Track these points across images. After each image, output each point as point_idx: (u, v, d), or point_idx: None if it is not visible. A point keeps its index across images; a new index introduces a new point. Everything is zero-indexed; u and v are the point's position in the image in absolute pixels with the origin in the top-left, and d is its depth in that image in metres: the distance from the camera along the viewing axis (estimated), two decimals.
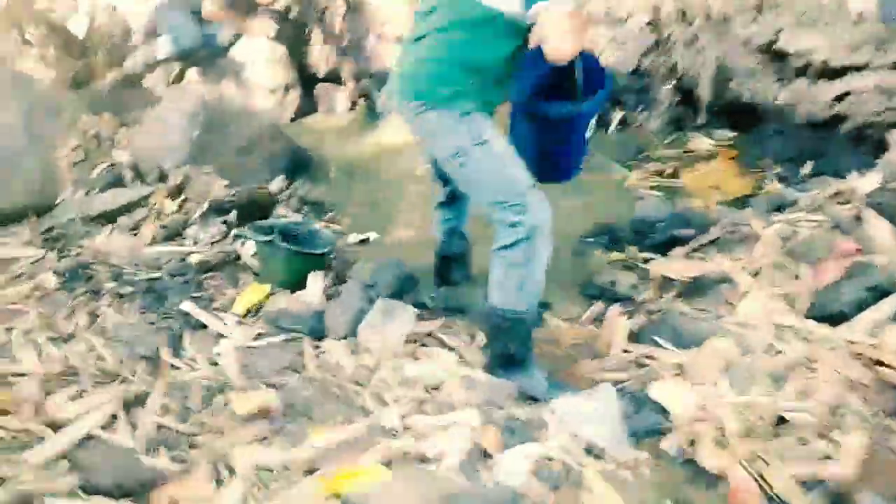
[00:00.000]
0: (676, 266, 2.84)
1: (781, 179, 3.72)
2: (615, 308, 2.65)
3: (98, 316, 2.52)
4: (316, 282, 2.63)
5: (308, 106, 5.12)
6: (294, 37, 5.07)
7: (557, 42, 1.94)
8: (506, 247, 2.12)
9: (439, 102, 2.14)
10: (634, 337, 2.50)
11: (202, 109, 3.67)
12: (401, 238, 3.45)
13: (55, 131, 3.55)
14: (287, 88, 4.95)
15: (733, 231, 2.96)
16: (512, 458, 1.84)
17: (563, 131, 2.28)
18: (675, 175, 3.89)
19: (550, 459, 1.86)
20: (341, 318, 2.42)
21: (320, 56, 5.15)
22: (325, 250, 2.70)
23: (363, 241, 3.32)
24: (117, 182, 3.45)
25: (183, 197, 3.19)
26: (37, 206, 3.29)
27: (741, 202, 3.49)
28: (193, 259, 2.86)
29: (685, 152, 4.19)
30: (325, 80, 5.22)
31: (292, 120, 4.95)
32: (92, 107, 4.00)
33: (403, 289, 2.63)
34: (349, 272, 2.68)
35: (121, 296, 2.64)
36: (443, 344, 2.47)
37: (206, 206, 3.02)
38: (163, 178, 3.39)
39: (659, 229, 3.04)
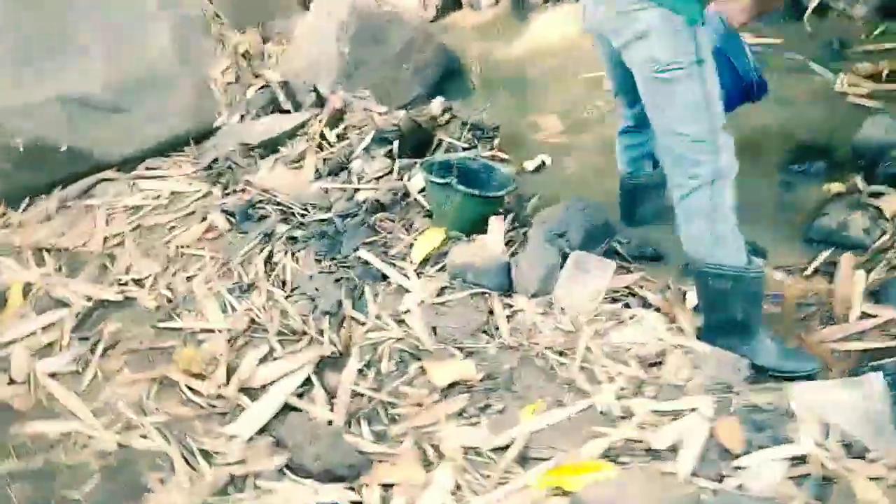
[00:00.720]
0: None
1: None
2: (848, 257, 2.27)
3: (275, 264, 2.43)
4: (497, 227, 2.40)
5: (449, 2, 4.71)
6: None
7: None
8: (688, 194, 1.91)
9: (670, 1, 1.80)
10: (875, 296, 2.14)
11: (352, 18, 3.39)
12: (576, 162, 3.11)
13: (205, 51, 3.38)
14: None
15: None
16: (761, 460, 1.60)
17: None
18: (891, 78, 3.26)
19: (804, 461, 1.61)
20: (532, 273, 2.18)
21: None
22: (505, 192, 2.44)
23: (538, 169, 3.03)
24: (272, 104, 3.29)
25: (344, 125, 2.98)
26: (195, 132, 3.20)
27: None
28: (361, 196, 2.69)
29: None
30: None
31: (434, 20, 4.58)
32: (234, 17, 3.80)
33: (595, 237, 2.35)
34: (534, 217, 2.42)
35: (293, 239, 2.53)
36: (645, 303, 2.21)
37: (370, 137, 2.80)
38: (319, 100, 3.19)
39: (889, 157, 2.55)
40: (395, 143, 2.86)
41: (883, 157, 2.58)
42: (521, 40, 4.35)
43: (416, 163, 2.87)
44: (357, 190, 2.71)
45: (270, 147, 3.01)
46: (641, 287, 2.27)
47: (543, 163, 3.07)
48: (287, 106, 3.28)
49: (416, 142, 2.94)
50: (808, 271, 2.29)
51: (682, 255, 2.43)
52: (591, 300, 2.13)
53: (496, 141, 3.04)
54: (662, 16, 1.83)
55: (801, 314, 2.16)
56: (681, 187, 1.94)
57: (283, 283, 2.35)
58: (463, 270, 2.26)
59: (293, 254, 2.46)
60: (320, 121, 3.02)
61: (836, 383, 1.76)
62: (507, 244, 2.40)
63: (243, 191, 2.79)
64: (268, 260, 2.45)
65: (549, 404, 1.81)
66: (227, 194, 2.80)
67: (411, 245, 2.44)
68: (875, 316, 2.05)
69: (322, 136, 2.98)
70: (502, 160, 2.96)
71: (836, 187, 2.62)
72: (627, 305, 2.16)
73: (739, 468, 1.59)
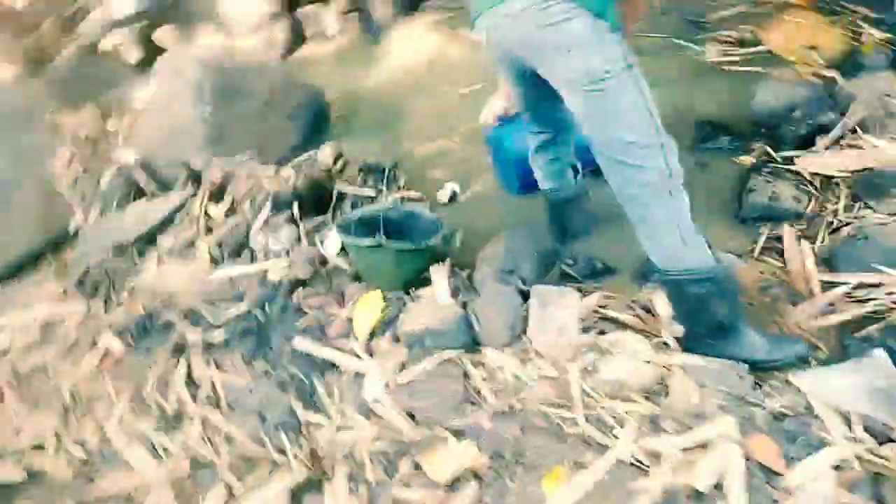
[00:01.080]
0: (832, 162, 2.43)
1: (876, 23, 3.26)
2: (789, 229, 2.26)
3: (198, 381, 2.07)
4: (441, 279, 2.18)
5: (294, 36, 4.41)
6: None
7: None
8: (647, 206, 1.79)
9: (593, 8, 1.70)
10: (828, 263, 2.13)
11: (206, 75, 3.02)
12: (485, 183, 2.94)
13: (39, 146, 2.89)
14: (273, 20, 4.21)
15: (877, 106, 2.54)
16: (808, 474, 1.50)
17: None
18: (755, 41, 3.37)
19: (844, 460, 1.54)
20: (497, 322, 1.99)
21: None
22: (440, 238, 2.23)
23: (451, 199, 2.84)
24: (134, 191, 2.87)
25: (230, 198, 2.63)
26: (50, 242, 2.72)
27: (850, 62, 3.05)
28: (274, 276, 2.37)
29: (751, 7, 3.63)
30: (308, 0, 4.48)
31: (283, 57, 4.26)
32: (62, 96, 3.31)
33: (545, 265, 2.20)
34: (478, 257, 2.23)
35: (211, 346, 2.18)
36: (618, 323, 2.08)
37: (267, 205, 2.48)
38: (193, 175, 2.80)
39: (793, 119, 2.59)
40: (295, 206, 2.56)
41: (783, 121, 2.62)
42: (382, 63, 4.15)
43: (322, 222, 2.59)
44: (267, 270, 2.39)
45: (148, 241, 2.61)
46: (604, 307, 2.14)
47: (454, 192, 2.89)
48: (151, 189, 2.87)
49: (316, 198, 2.65)
50: (756, 252, 2.25)
51: (629, 261, 2.36)
52: (566, 337, 1.97)
53: (402, 180, 2.80)
54: (587, 25, 1.71)
55: (766, 298, 2.11)
56: (635, 200, 1.82)
57: (217, 402, 2.00)
58: (420, 336, 2.02)
59: (217, 363, 2.11)
60: (201, 199, 2.66)
61: (843, 368, 1.71)
62: (453, 294, 2.20)
63: (131, 301, 2.38)
64: (188, 379, 2.09)
65: (570, 468, 1.63)
66: (113, 309, 2.38)
67: (350, 320, 2.17)
68: (837, 284, 2.04)
69: (207, 215, 2.62)
70: (413, 199, 2.74)
71: (749, 159, 2.63)
72: (602, 332, 2.02)
73: (789, 490, 1.49)
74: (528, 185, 2.58)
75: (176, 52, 3.14)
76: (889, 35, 3.15)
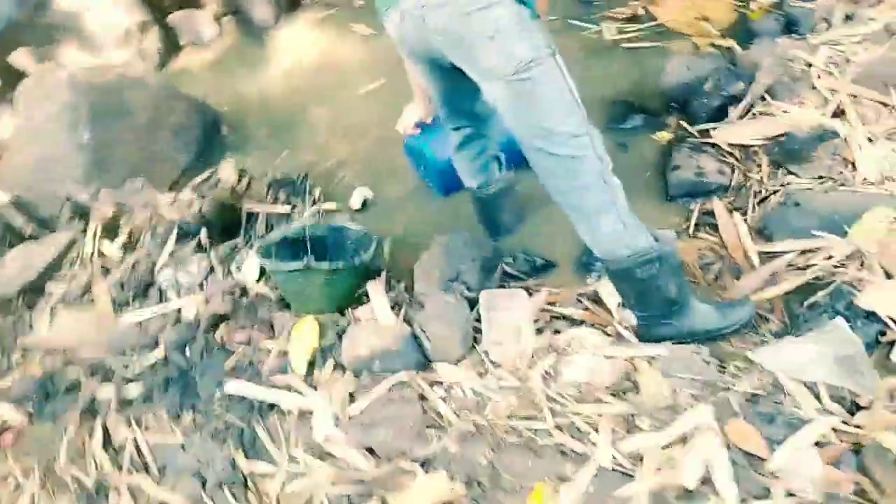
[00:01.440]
0: (747, 131, 2.46)
1: None
2: (719, 203, 2.26)
3: (119, 446, 1.83)
4: (379, 295, 2.03)
5: (168, 45, 4.06)
6: None
7: None
8: (582, 195, 1.72)
9: None
10: (762, 233, 2.15)
11: (80, 96, 2.69)
12: (398, 185, 2.80)
13: None
14: (142, 30, 3.85)
15: (781, 72, 2.59)
16: (795, 454, 1.47)
17: None
18: (649, 16, 3.40)
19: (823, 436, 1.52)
20: (449, 336, 1.87)
21: None
22: (373, 253, 2.07)
23: (364, 206, 2.67)
24: (8, 234, 2.51)
25: (126, 231, 2.35)
26: None
27: (742, 30, 3.12)
28: (188, 314, 2.13)
29: None
30: (179, 5, 4.13)
31: (159, 68, 3.91)
32: None
33: (487, 268, 2.09)
34: (416, 265, 2.09)
35: (129, 402, 1.93)
36: (569, 319, 2.00)
37: (172, 236, 2.22)
38: (78, 210, 2.48)
39: (704, 92, 2.60)
40: (203, 233, 2.32)
41: (695, 94, 2.63)
42: (269, 67, 3.89)
43: (235, 247, 2.37)
44: (180, 309, 2.14)
45: (35, 291, 2.29)
46: (553, 304, 2.06)
47: (366, 198, 2.72)
48: (29, 230, 2.53)
49: (225, 222, 2.42)
50: (691, 230, 2.24)
51: (566, 251, 2.30)
52: (521, 341, 1.87)
53: (316, 192, 2.61)
54: (511, 12, 1.62)
55: (708, 274, 2.10)
56: (570, 192, 1.74)
57: (145, 466, 1.77)
58: (366, 361, 1.87)
59: (138, 422, 1.87)
60: (92, 236, 2.36)
61: (804, 340, 1.70)
62: (392, 308, 2.05)
63: (25, 363, 2.08)
64: (107, 444, 1.84)
65: (552, 484, 1.53)
66: (4, 373, 2.07)
67: (284, 352, 1.98)
68: (775, 254, 2.05)
69: (101, 254, 2.33)
70: (329, 211, 2.56)
71: (666, 135, 2.63)
72: (557, 331, 1.93)
73: (776, 475, 1.46)
74: (453, 186, 2.48)
75: (41, 74, 2.78)
76: (774, 0, 3.25)
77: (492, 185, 2.31)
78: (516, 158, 2.14)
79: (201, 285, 2.21)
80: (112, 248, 2.32)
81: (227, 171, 2.58)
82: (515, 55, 1.63)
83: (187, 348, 2.03)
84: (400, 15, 1.78)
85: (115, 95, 2.83)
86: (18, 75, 3.35)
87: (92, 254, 2.32)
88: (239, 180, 2.56)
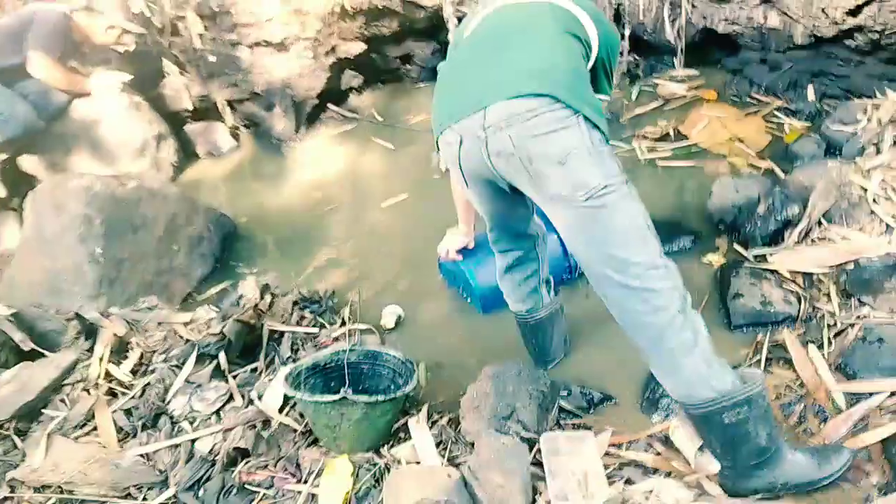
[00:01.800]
0: (808, 257, 2.32)
1: (791, 113, 3.32)
2: (790, 336, 2.08)
3: None
4: (423, 433, 1.80)
5: (184, 155, 3.99)
6: (142, 74, 3.89)
7: None
8: (662, 334, 1.54)
9: (594, 117, 1.56)
10: (842, 369, 1.95)
11: (95, 209, 2.55)
12: (433, 302, 2.62)
13: None
14: (158, 140, 3.78)
15: (837, 196, 2.48)
16: None
17: None
18: (679, 136, 3.35)
19: None
20: (509, 488, 1.61)
21: (180, 88, 4.01)
22: (415, 385, 1.85)
23: (397, 325, 2.48)
24: (6, 350, 2.27)
25: (137, 354, 2.13)
26: None
27: (780, 152, 3.05)
28: (203, 447, 1.89)
29: (663, 105, 3.64)
30: (196, 117, 4.10)
31: (174, 179, 3.82)
32: None
33: (544, 405, 1.87)
34: (464, 400, 1.87)
35: None
36: (638, 465, 1.77)
37: (191, 360, 2.01)
38: (85, 328, 2.26)
39: (754, 214, 2.48)
40: (222, 356, 2.10)
41: (746, 216, 2.51)
42: (288, 179, 3.80)
43: (254, 371, 2.15)
44: (195, 441, 1.90)
45: (31, 416, 2.04)
46: (621, 447, 1.83)
47: (400, 316, 2.53)
48: (28, 347, 2.30)
49: (245, 344, 2.21)
50: (762, 365, 2.05)
51: (622, 381, 2.09)
52: (593, 493, 1.63)
53: (345, 311, 2.41)
54: (584, 135, 1.53)
55: (790, 417, 1.88)
56: (648, 328, 1.56)
57: None
58: None
59: None
60: (99, 358, 2.14)
61: None
62: (436, 446, 1.81)
63: (12, 498, 1.80)
64: None
65: None
66: None
67: (313, 496, 1.73)
68: (862, 395, 1.85)
69: (109, 377, 2.10)
70: (363, 332, 2.36)
71: (717, 259, 2.49)
72: (629, 481, 1.69)
73: None
74: (496, 306, 2.32)
75: (54, 183, 2.65)
76: (808, 123, 3.21)
77: (541, 310, 2.14)
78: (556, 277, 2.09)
79: (218, 414, 1.98)
80: (120, 371, 2.10)
81: (249, 287, 2.40)
82: (588, 182, 1.52)
83: (201, 488, 1.77)
84: (458, 136, 1.67)
85: (132, 208, 2.70)
86: (27, 182, 3.24)
87: (98, 377, 2.09)
88: (261, 297, 2.36)
